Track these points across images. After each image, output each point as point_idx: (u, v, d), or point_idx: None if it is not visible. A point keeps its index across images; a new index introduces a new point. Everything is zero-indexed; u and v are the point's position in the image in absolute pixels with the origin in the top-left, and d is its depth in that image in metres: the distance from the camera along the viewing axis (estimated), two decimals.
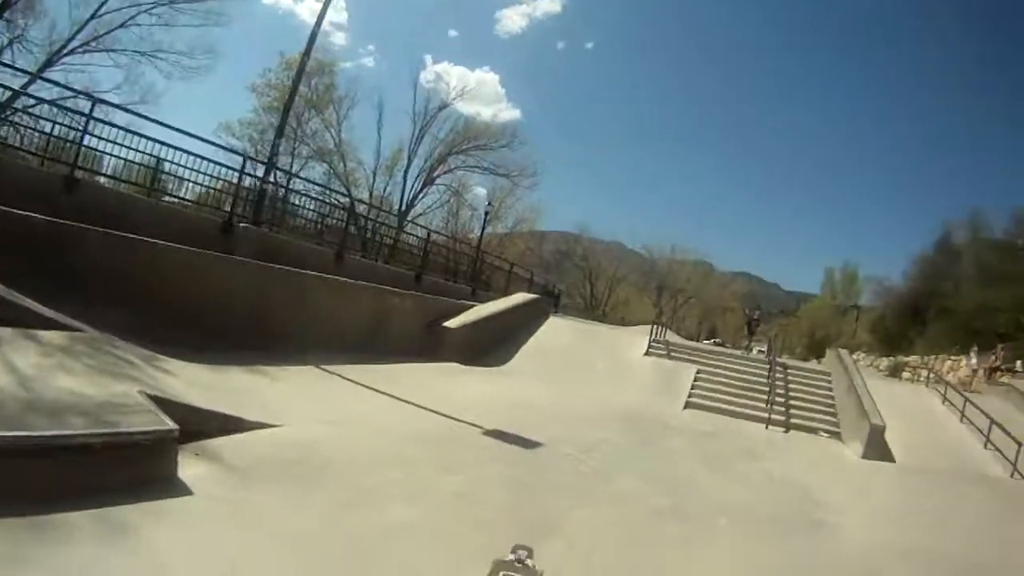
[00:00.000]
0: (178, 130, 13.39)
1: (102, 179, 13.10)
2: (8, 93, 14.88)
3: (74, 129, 11.62)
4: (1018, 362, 23.91)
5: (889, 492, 9.79)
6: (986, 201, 57.35)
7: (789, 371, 16.93)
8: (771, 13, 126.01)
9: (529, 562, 3.62)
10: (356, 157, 44.03)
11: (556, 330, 17.94)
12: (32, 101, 13.83)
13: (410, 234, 23.04)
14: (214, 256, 10.09)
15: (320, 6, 17.24)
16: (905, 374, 26.60)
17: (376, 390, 8.89)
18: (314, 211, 17.54)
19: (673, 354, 17.21)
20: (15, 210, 7.68)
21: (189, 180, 13.43)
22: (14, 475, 3.76)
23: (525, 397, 11.08)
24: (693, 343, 24.34)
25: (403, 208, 43.75)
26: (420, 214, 45.52)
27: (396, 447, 6.50)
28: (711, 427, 12.14)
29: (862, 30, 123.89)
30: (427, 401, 8.72)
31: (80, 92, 19.02)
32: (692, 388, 14.68)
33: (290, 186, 21.39)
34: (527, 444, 7.63)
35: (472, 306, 16.09)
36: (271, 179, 15.81)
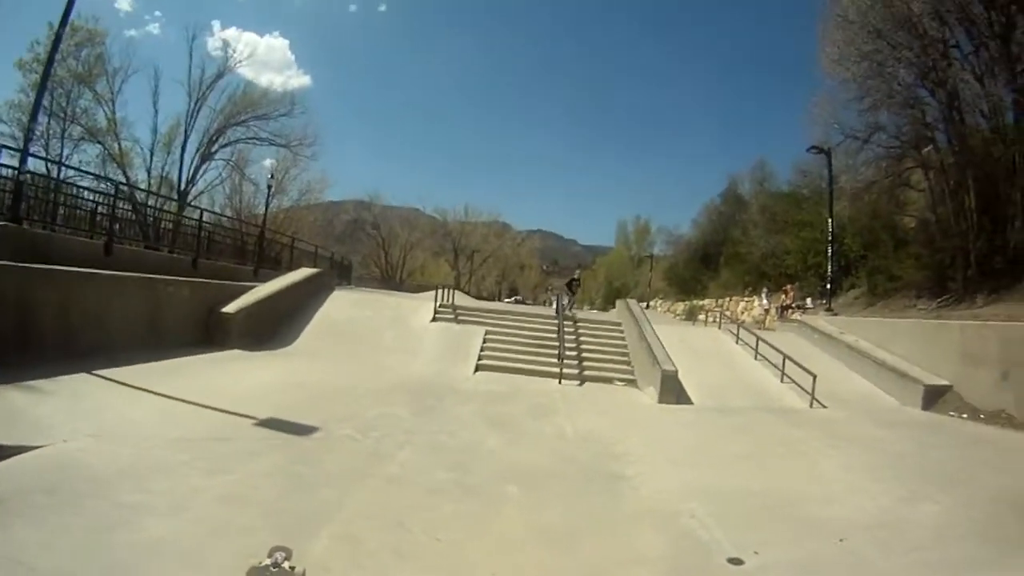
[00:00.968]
0: None
1: None
2: None
3: None
4: (808, 299, 27.22)
5: (686, 435, 10.52)
6: (770, 153, 65.52)
7: (580, 324, 18.34)
8: None
9: (286, 564, 3.92)
10: (132, 135, 42.78)
11: (340, 304, 18.43)
12: None
13: (189, 218, 21.68)
14: None
15: None
16: (701, 317, 29.31)
17: (152, 391, 8.90)
18: (90, 200, 15.80)
19: (461, 317, 18.07)
20: None
21: None
22: None
23: (306, 379, 11.44)
24: (482, 303, 25.29)
25: (182, 188, 42.47)
26: (201, 192, 45.13)
27: (164, 453, 6.50)
28: (502, 388, 12.80)
29: None
30: (203, 396, 8.88)
31: None
32: (482, 350, 15.47)
33: (60, 173, 20.48)
34: (303, 431, 7.85)
35: (254, 287, 16.47)
36: (29, 168, 14.13)
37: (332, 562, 4.50)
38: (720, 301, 37.57)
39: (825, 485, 7.80)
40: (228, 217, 35.06)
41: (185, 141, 43.03)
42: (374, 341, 15.67)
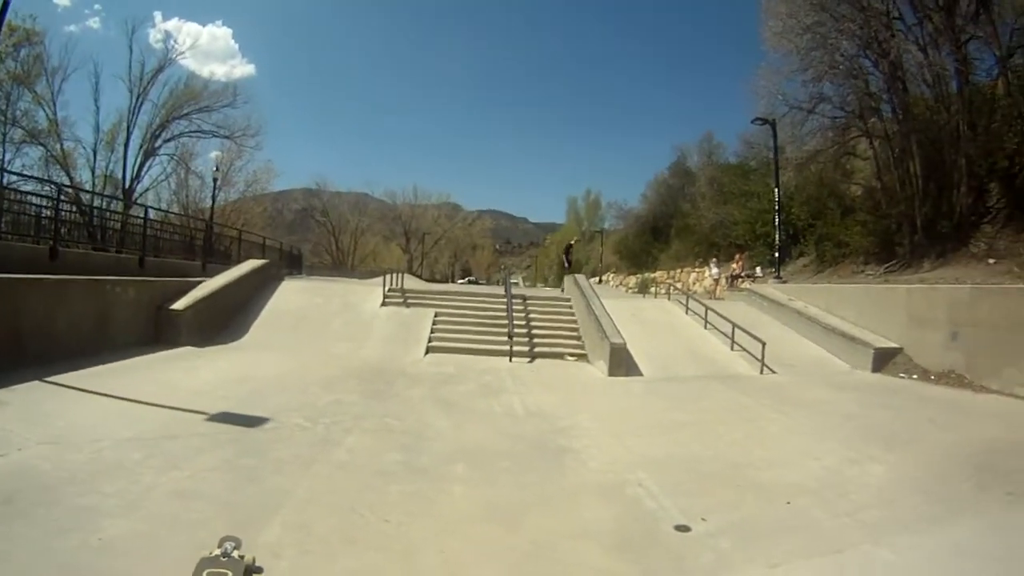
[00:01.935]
0: None
1: None
2: None
3: None
4: (757, 268, 27.63)
5: (635, 406, 10.57)
6: (717, 126, 66.53)
7: (530, 301, 18.43)
8: None
9: (236, 554, 4.01)
10: (74, 135, 41.27)
11: (290, 294, 18.34)
12: None
13: (135, 216, 21.19)
14: None
15: None
16: (653, 289, 29.61)
17: (104, 394, 8.81)
18: (34, 204, 15.31)
19: (410, 301, 18.03)
20: None
21: None
22: None
23: (257, 371, 11.34)
24: (432, 286, 25.38)
25: (128, 186, 41.30)
26: (147, 189, 44.27)
27: (117, 454, 6.44)
28: (452, 369, 12.85)
29: None
30: (155, 395, 8.84)
31: None
32: (432, 332, 15.51)
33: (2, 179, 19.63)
34: (253, 422, 7.87)
35: (203, 282, 16.25)
36: None
37: (282, 549, 4.57)
38: (671, 273, 38.13)
39: (773, 449, 7.91)
40: (175, 213, 34.81)
41: (128, 138, 41.72)
42: (324, 329, 15.67)
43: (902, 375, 13.40)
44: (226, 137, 46.17)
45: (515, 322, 15.62)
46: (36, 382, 9.06)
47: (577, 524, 5.41)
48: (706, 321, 16.98)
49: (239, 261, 21.53)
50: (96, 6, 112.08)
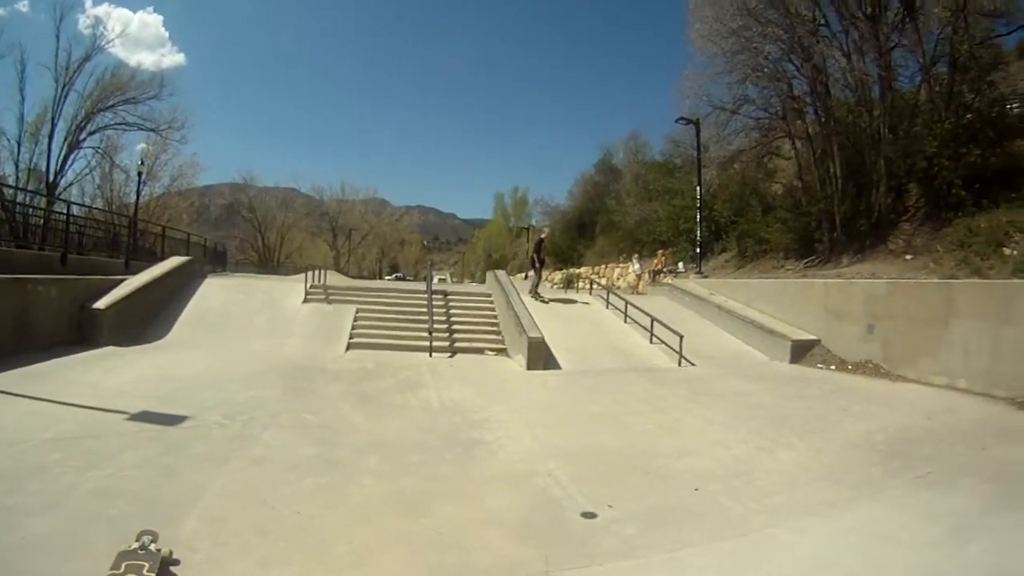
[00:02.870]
0: None
1: None
2: None
3: None
4: (680, 263, 28.16)
5: (550, 399, 10.62)
6: (644, 125, 67.75)
7: (451, 297, 18.43)
8: None
9: (153, 547, 4.16)
10: None
11: (213, 292, 18.05)
12: None
13: (58, 212, 20.38)
14: None
15: None
16: (579, 284, 29.89)
17: (25, 395, 8.68)
18: None
19: (332, 297, 18.00)
20: None
21: None
22: None
23: (179, 370, 11.23)
24: (355, 282, 25.38)
25: (51, 180, 39.19)
26: (71, 183, 42.26)
27: (38, 455, 6.45)
28: (372, 365, 12.82)
29: None
30: (76, 396, 8.75)
31: None
32: (353, 328, 15.43)
33: None
34: (173, 421, 7.90)
35: (126, 280, 15.84)
36: None
37: (198, 542, 4.70)
38: (596, 268, 38.64)
39: (684, 439, 8.02)
40: (99, 209, 34.06)
41: (52, 130, 39.58)
42: (246, 327, 15.37)
43: (819, 366, 13.74)
44: (151, 130, 44.58)
45: (436, 318, 15.60)
46: None
47: (483, 513, 5.54)
48: (626, 315, 17.17)
49: (163, 258, 21.11)
50: None
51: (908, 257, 16.66)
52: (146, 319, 14.96)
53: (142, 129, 44.08)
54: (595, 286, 23.17)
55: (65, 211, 18.65)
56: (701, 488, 6.08)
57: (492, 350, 14.80)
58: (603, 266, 38.82)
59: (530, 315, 14.61)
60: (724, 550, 4.86)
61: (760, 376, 12.56)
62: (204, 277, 19.84)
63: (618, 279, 34.12)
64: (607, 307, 18.67)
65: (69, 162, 40.82)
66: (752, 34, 21.09)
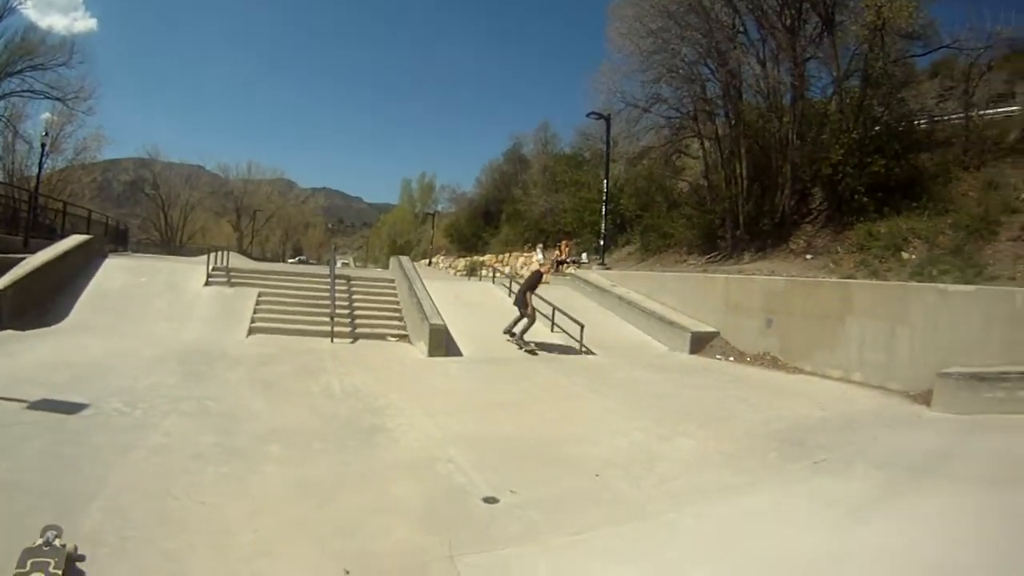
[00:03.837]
0: None
1: None
2: None
3: None
4: (584, 254, 28.55)
5: (451, 386, 10.71)
6: (555, 117, 68.65)
7: (355, 282, 18.35)
8: None
9: (57, 542, 4.03)
10: None
11: (114, 273, 17.48)
12: None
13: None
14: None
15: None
16: (482, 272, 29.98)
17: None
18: None
19: (234, 280, 17.61)
20: None
21: None
22: None
23: (78, 355, 10.91)
24: (258, 265, 25.07)
25: None
26: None
27: None
28: (273, 350, 12.77)
29: None
30: None
31: None
32: (255, 313, 15.21)
33: None
34: (72, 409, 7.68)
35: (24, 259, 15.36)
36: None
37: (102, 536, 4.59)
38: (500, 257, 38.89)
39: (585, 427, 8.18)
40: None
41: None
42: (147, 309, 14.97)
43: (719, 357, 14.17)
44: (58, 99, 42.26)
45: (338, 303, 15.46)
46: None
47: (386, 500, 5.57)
48: None
49: (64, 236, 20.16)
50: None
51: (808, 257, 17.41)
52: (46, 301, 14.48)
53: (48, 98, 41.94)
54: (498, 275, 23.24)
55: None
56: (602, 474, 6.20)
57: (394, 336, 14.75)
58: (507, 255, 39.13)
59: (432, 302, 14.60)
60: (624, 534, 4.97)
61: (661, 366, 12.90)
62: (105, 257, 19.19)
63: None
64: (510, 295, 18.70)
65: None
66: (671, 36, 21.68)
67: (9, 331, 12.50)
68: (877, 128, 17.97)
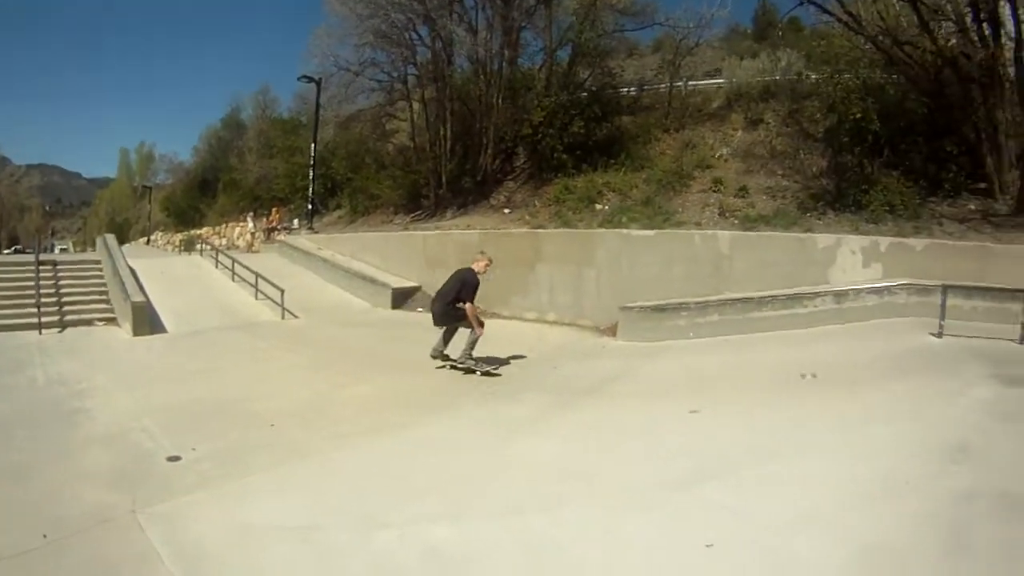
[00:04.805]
0: None
1: None
2: None
3: None
4: (295, 220, 28.69)
5: (152, 362, 10.99)
6: (277, 81, 65.96)
7: (61, 267, 17.18)
8: None
9: None
10: None
11: None
12: None
13: None
14: None
15: None
16: (199, 246, 29.21)
17: None
18: None
19: None
20: None
21: None
22: None
23: None
24: None
25: None
26: None
27: None
28: None
29: None
30: None
31: None
32: None
33: None
34: None
35: None
36: None
37: None
38: (217, 228, 37.73)
39: (272, 384, 8.99)
40: None
41: None
42: None
43: (419, 310, 15.13)
44: None
45: (45, 291, 14.71)
46: None
47: (80, 470, 5.94)
48: (234, 274, 17.54)
49: None
50: None
51: (507, 211, 18.98)
52: None
53: None
54: (210, 246, 23.05)
55: None
56: (277, 424, 7.05)
57: (102, 320, 14.39)
58: (224, 225, 37.96)
59: (136, 280, 14.45)
60: (288, 472, 5.84)
61: (360, 323, 13.92)
62: None
63: (238, 238, 33.68)
64: (217, 267, 18.93)
65: None
66: (384, 1, 22.05)
67: None
68: (585, 94, 19.89)
